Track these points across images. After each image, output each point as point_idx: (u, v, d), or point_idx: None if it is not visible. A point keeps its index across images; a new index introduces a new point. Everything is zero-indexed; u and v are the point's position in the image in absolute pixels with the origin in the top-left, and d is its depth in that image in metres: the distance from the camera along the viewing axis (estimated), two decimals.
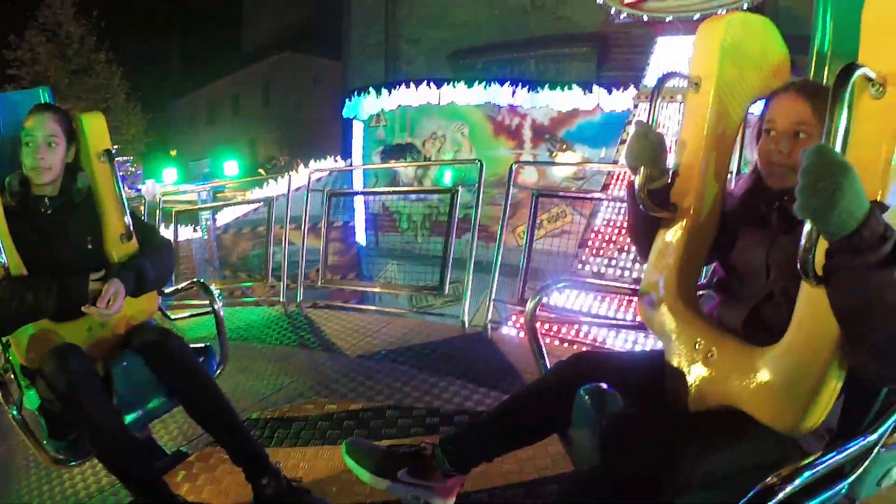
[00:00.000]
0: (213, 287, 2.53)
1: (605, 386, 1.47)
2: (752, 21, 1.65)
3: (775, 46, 1.65)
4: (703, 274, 1.80)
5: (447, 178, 12.29)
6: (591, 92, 11.46)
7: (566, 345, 4.44)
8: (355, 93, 14.06)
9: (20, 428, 1.99)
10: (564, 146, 11.77)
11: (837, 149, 1.05)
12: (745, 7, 8.69)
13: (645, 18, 9.30)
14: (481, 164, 4.55)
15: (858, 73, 1.12)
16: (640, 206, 1.60)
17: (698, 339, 1.49)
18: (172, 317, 3.13)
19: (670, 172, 1.64)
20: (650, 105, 1.60)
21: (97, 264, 2.18)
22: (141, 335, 2.18)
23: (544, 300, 2.25)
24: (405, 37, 21.58)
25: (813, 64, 1.74)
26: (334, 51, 31.80)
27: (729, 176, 1.73)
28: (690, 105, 1.66)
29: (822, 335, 1.18)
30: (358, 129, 14.30)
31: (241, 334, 4.59)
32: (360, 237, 13.69)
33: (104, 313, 1.99)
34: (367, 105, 13.67)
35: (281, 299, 5.29)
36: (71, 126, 2.22)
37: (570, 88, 11.77)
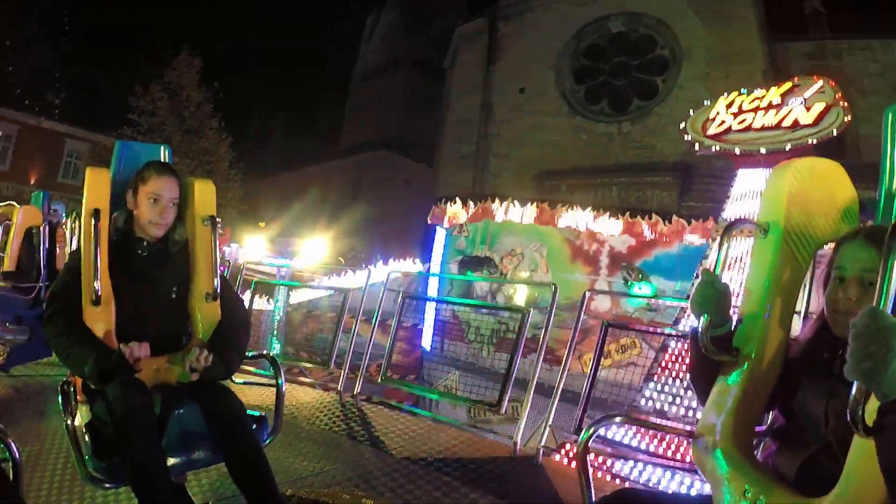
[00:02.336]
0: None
1: None
2: (819, 166, 1.67)
3: (843, 190, 1.65)
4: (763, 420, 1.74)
5: (519, 295, 12.37)
6: (670, 223, 11.42)
7: (617, 480, 4.28)
8: (442, 200, 14.52)
9: (70, 439, 2.07)
10: (640, 275, 11.67)
11: (889, 307, 1.05)
12: (833, 132, 8.66)
13: (736, 151, 9.37)
14: (555, 289, 4.59)
15: None
16: (702, 349, 1.58)
17: (747, 487, 1.44)
18: (237, 380, 3.16)
19: (734, 319, 1.63)
20: (717, 252, 1.64)
21: (178, 314, 2.41)
22: (204, 389, 2.26)
23: (600, 431, 2.25)
24: (494, 152, 22.41)
25: (882, 204, 1.69)
26: (426, 156, 33.29)
27: (796, 316, 1.71)
28: (757, 251, 1.67)
29: (872, 488, 1.15)
30: (440, 236, 14.70)
31: (292, 411, 4.64)
32: (426, 341, 13.76)
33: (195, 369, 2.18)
34: (452, 214, 14.08)
35: (339, 387, 5.34)
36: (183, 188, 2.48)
37: (650, 218, 11.77)
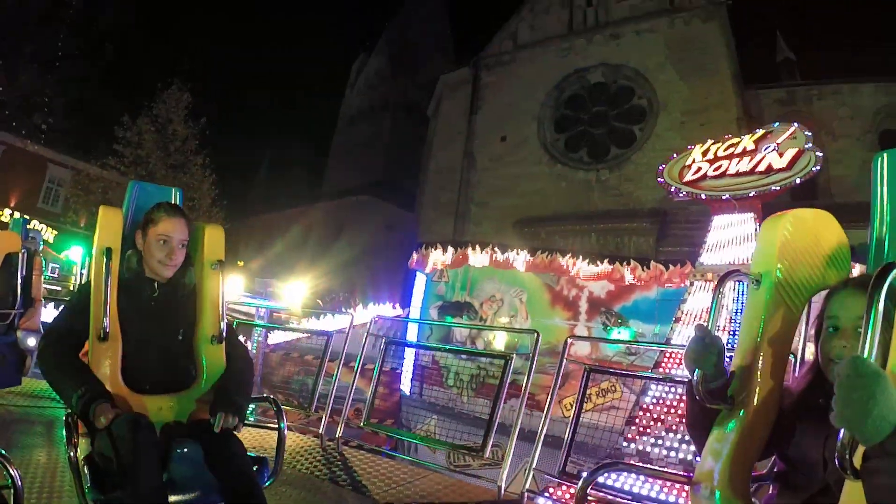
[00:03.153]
0: None
1: None
2: (809, 216, 1.70)
3: (834, 238, 1.69)
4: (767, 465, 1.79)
5: (499, 341, 12.42)
6: (648, 268, 11.62)
7: None
8: (423, 246, 14.62)
9: (71, 469, 2.08)
10: (619, 320, 11.78)
11: (873, 355, 1.10)
12: (797, 181, 8.96)
13: (703, 196, 9.68)
14: (538, 336, 4.65)
15: (895, 273, 1.14)
16: (698, 398, 1.62)
17: None
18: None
19: (728, 372, 1.66)
20: (711, 307, 1.69)
21: (183, 355, 2.44)
22: (207, 430, 2.25)
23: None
24: (476, 200, 22.70)
25: (872, 250, 1.72)
26: (409, 201, 33.48)
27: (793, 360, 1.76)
28: (750, 302, 1.69)
29: None
30: (420, 282, 14.72)
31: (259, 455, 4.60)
32: (406, 385, 13.72)
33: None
34: (432, 259, 14.18)
35: (320, 431, 5.32)
36: (193, 231, 2.54)
37: (628, 263, 11.96)
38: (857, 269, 1.74)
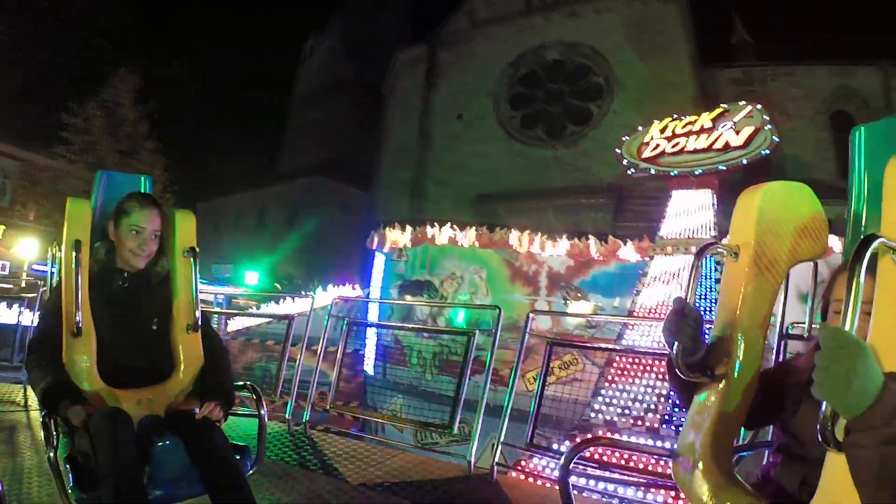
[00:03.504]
0: None
1: None
2: (786, 188, 1.70)
3: (811, 210, 1.69)
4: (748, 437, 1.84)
5: (460, 318, 12.47)
6: (606, 242, 11.82)
7: (595, 496, 4.32)
8: (382, 225, 14.53)
9: (52, 470, 2.04)
10: (579, 294, 11.94)
11: (854, 327, 1.09)
12: (744, 162, 9.22)
13: (653, 171, 9.89)
14: (499, 311, 4.67)
15: (876, 243, 1.15)
16: (677, 371, 1.60)
17: None
18: None
19: (707, 343, 1.64)
20: (688, 280, 1.66)
21: (159, 345, 2.40)
22: (187, 422, 2.23)
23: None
24: (433, 178, 22.57)
25: (851, 223, 1.74)
26: (365, 182, 33.14)
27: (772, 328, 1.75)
28: (729, 273, 1.69)
29: (847, 500, 1.16)
30: (379, 262, 14.67)
31: (240, 443, 4.54)
32: (369, 367, 13.69)
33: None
34: (391, 239, 14.12)
35: (287, 416, 5.22)
36: (165, 220, 2.49)
37: (587, 238, 12.13)
38: (834, 243, 1.69)
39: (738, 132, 9.32)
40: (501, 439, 4.28)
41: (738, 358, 1.61)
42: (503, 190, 20.46)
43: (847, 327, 1.10)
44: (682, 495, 1.68)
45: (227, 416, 2.31)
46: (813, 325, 2.08)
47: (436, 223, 13.55)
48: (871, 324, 1.22)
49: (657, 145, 10.10)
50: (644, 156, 10.20)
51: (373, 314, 13.62)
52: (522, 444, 4.31)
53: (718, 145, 9.43)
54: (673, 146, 9.89)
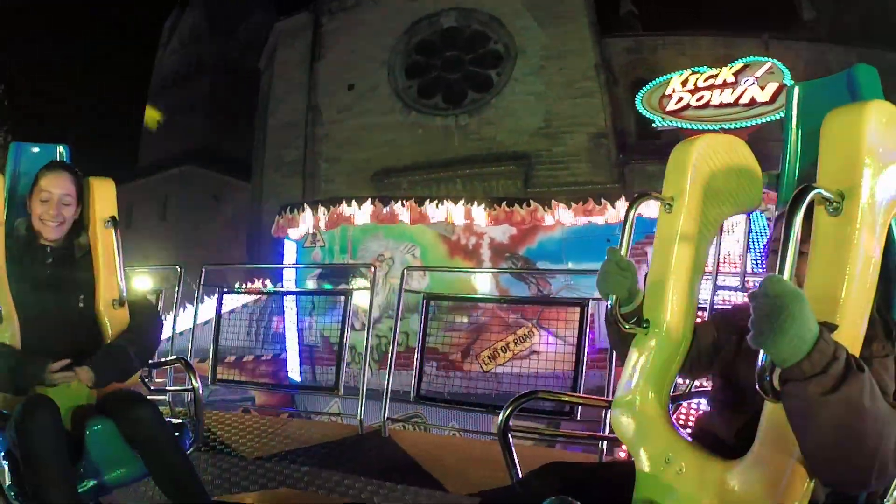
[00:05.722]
0: None
1: (570, 498, 1.38)
2: (721, 140, 1.70)
3: (746, 163, 1.70)
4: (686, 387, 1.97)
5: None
6: (528, 206, 11.27)
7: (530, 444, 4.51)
8: (287, 209, 12.96)
9: None
10: (527, 264, 11.43)
11: (788, 274, 1.09)
12: (775, 118, 9.34)
13: (681, 126, 9.95)
14: (374, 269, 5.48)
15: (812, 194, 1.17)
16: (613, 322, 1.62)
17: (668, 454, 1.48)
18: (152, 387, 3.15)
19: (642, 294, 1.67)
20: (623, 232, 1.64)
21: (86, 323, 2.32)
22: (116, 401, 2.18)
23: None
24: (325, 156, 21.41)
25: (785, 177, 1.86)
26: (239, 168, 31.06)
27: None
28: (662, 224, 1.68)
29: (785, 447, 1.19)
30: (290, 250, 13.13)
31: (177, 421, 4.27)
32: (294, 373, 12.13)
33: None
34: (301, 223, 12.59)
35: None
36: (82, 187, 2.39)
37: (508, 205, 11.46)
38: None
39: (762, 87, 9.28)
40: (388, 395, 4.45)
41: (673, 308, 1.63)
42: (405, 163, 19.70)
43: (786, 276, 1.09)
44: (623, 445, 1.84)
45: (120, 378, 2.25)
46: (746, 277, 2.41)
47: (353, 200, 12.21)
48: (807, 274, 1.24)
49: (680, 98, 10.00)
50: (668, 109, 10.02)
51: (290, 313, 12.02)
52: (409, 399, 4.56)
53: (745, 100, 9.38)
54: (698, 100, 9.82)
